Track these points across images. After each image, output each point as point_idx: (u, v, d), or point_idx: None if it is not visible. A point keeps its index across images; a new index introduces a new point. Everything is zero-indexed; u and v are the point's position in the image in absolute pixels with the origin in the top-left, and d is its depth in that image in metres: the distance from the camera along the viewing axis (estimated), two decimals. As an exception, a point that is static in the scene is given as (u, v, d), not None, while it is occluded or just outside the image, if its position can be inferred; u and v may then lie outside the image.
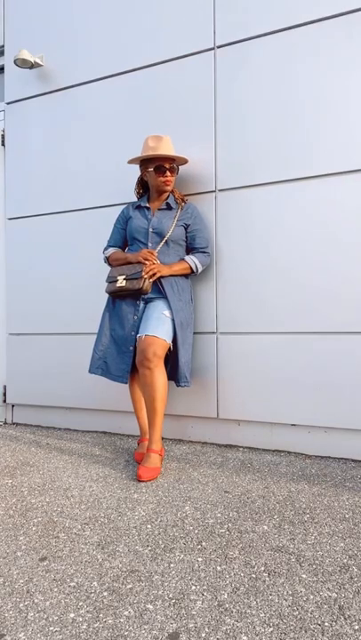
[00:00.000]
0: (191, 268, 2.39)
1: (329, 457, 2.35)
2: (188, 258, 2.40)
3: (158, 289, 2.31)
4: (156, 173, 2.34)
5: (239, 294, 2.51)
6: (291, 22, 2.37)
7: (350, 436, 2.31)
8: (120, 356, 2.33)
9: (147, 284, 2.24)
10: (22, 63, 3.00)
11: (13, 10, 3.20)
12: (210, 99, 2.57)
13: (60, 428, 3.05)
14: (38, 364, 3.10)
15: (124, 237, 2.52)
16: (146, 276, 2.23)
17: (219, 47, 2.55)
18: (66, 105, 3.01)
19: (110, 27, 2.85)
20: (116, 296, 2.38)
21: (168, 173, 2.34)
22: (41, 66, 3.06)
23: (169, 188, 2.39)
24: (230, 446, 2.53)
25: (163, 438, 2.69)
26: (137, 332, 2.27)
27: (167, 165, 2.33)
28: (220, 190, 2.55)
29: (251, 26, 2.46)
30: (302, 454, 2.40)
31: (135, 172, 2.55)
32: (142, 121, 2.74)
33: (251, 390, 2.48)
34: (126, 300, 2.35)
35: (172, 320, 2.25)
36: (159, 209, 2.40)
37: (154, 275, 2.25)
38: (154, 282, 2.27)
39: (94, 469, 2.25)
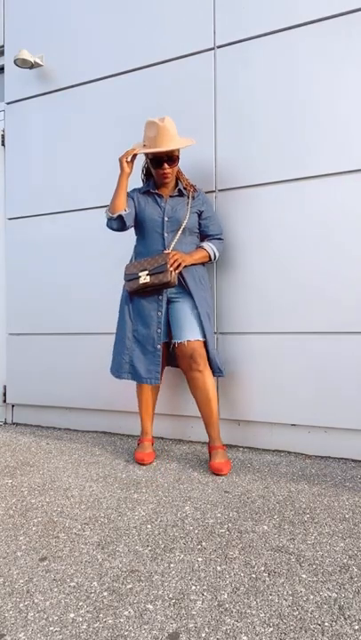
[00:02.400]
0: (210, 255, 2.32)
1: (329, 457, 2.35)
2: (205, 245, 2.32)
3: (179, 281, 2.22)
4: (154, 167, 2.24)
5: (239, 294, 2.51)
6: (291, 22, 2.37)
7: (350, 436, 2.31)
8: (147, 357, 2.24)
9: (174, 276, 2.13)
10: (22, 63, 3.00)
11: (13, 10, 3.20)
12: (210, 99, 2.57)
13: (60, 428, 3.05)
14: (38, 364, 3.10)
15: (135, 213, 2.31)
16: (171, 269, 2.12)
17: (219, 47, 2.55)
18: (66, 105, 3.01)
19: (110, 27, 2.85)
20: (138, 294, 2.26)
21: (166, 166, 2.20)
22: (41, 66, 3.06)
23: (168, 181, 2.27)
24: (230, 446, 2.53)
25: (162, 438, 2.70)
26: (162, 330, 2.21)
27: (165, 157, 2.18)
28: (220, 190, 2.55)
29: (251, 26, 2.46)
30: (302, 454, 2.40)
31: (133, 170, 2.54)
32: (142, 121, 2.73)
33: (251, 390, 2.48)
34: (147, 296, 2.25)
35: (199, 314, 2.21)
36: (171, 196, 2.30)
37: (179, 265, 2.16)
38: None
39: (94, 469, 2.24)
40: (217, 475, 2.12)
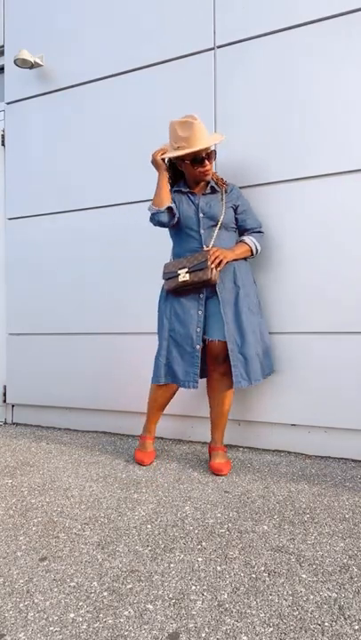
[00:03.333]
0: (251, 249, 2.24)
1: (329, 457, 2.35)
2: (246, 239, 2.25)
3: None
4: (194, 166, 2.14)
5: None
6: (291, 22, 2.37)
7: (350, 436, 2.31)
8: (185, 359, 2.14)
9: (215, 274, 2.05)
10: (22, 63, 3.00)
11: (13, 10, 3.20)
12: (210, 99, 2.57)
13: (60, 428, 3.05)
14: (38, 364, 3.10)
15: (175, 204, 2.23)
16: (212, 266, 2.05)
17: (219, 47, 2.55)
18: (66, 105, 3.01)
19: (110, 27, 2.85)
20: (177, 293, 2.17)
21: (207, 162, 2.13)
22: (41, 66, 3.06)
23: (209, 177, 2.20)
24: (230, 446, 2.53)
25: (162, 438, 2.70)
26: (201, 330, 2.13)
27: (204, 154, 2.11)
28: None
29: (250, 26, 2.46)
30: (302, 454, 2.40)
31: (133, 171, 2.54)
32: (142, 121, 2.74)
33: (250, 390, 2.48)
34: (187, 295, 2.16)
35: (238, 311, 2.14)
36: (204, 194, 2.23)
37: (220, 262, 2.08)
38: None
39: (94, 469, 2.24)
40: (217, 475, 2.11)
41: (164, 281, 2.22)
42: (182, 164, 2.19)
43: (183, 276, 2.09)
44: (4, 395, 3.26)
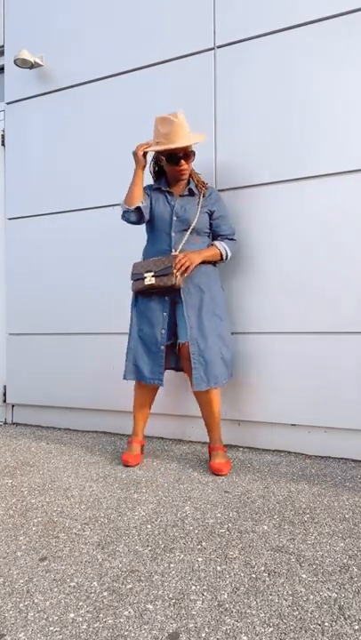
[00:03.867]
0: (221, 253, 2.24)
1: (329, 457, 2.35)
2: (217, 243, 2.26)
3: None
4: (169, 164, 2.15)
5: (239, 294, 2.51)
6: (291, 22, 2.37)
7: (350, 436, 2.31)
8: (151, 357, 2.20)
9: (179, 280, 2.08)
10: (22, 63, 3.00)
11: (13, 10, 3.20)
12: (210, 99, 2.57)
13: (60, 428, 3.05)
14: (38, 364, 3.10)
15: (150, 205, 2.25)
16: (177, 273, 2.07)
17: (219, 47, 2.55)
18: (66, 105, 3.01)
19: (110, 27, 2.85)
20: (144, 294, 2.22)
21: (182, 162, 2.13)
22: (41, 66, 3.06)
23: (185, 177, 2.20)
24: (230, 446, 2.53)
25: (162, 438, 2.70)
26: (167, 331, 2.18)
27: (181, 154, 2.11)
28: (220, 190, 2.54)
29: (250, 26, 2.46)
30: (302, 454, 2.40)
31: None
32: (142, 121, 2.74)
33: (251, 390, 2.48)
34: (153, 297, 2.21)
35: (201, 315, 2.17)
36: (181, 195, 2.23)
37: (186, 269, 2.09)
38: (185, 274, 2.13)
39: (94, 469, 2.24)
40: (217, 475, 2.12)
41: (132, 282, 2.23)
42: (162, 161, 2.20)
43: (149, 279, 2.13)
44: (4, 395, 3.26)
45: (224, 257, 2.27)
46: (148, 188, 2.27)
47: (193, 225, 2.18)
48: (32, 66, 3.03)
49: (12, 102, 3.19)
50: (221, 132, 2.54)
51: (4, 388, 3.26)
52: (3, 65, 3.30)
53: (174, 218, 2.19)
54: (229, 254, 2.28)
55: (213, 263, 2.29)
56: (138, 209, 2.17)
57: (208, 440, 2.28)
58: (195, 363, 2.12)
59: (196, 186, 2.25)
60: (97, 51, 2.90)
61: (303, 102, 2.36)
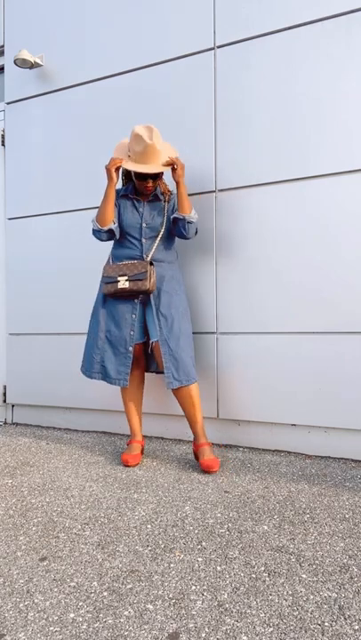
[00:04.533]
0: (191, 208, 2.25)
1: (329, 457, 2.35)
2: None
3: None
4: (137, 180, 2.24)
5: (239, 294, 2.51)
6: (291, 22, 2.37)
7: (350, 436, 2.31)
8: (118, 358, 2.24)
9: (153, 283, 2.17)
10: (22, 63, 3.00)
11: (13, 10, 3.20)
12: (210, 99, 2.57)
13: (60, 428, 3.05)
14: (38, 364, 3.10)
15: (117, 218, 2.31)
16: (152, 280, 2.16)
17: (219, 47, 2.55)
18: (66, 105, 3.01)
19: (110, 26, 2.85)
20: (114, 296, 2.27)
21: (150, 181, 2.23)
22: (41, 66, 3.06)
23: (149, 193, 2.30)
24: (230, 446, 2.53)
25: (162, 438, 2.70)
26: (136, 332, 2.24)
27: (150, 174, 2.19)
28: (220, 190, 2.55)
29: (251, 26, 2.46)
30: (302, 454, 2.40)
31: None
32: (142, 121, 2.73)
33: (251, 390, 2.48)
34: (122, 299, 2.27)
35: (172, 314, 2.24)
36: (148, 201, 2.31)
37: (178, 168, 2.16)
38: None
39: (94, 469, 2.25)
40: (208, 473, 2.13)
41: (103, 284, 2.26)
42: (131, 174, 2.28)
43: (123, 283, 2.18)
44: (4, 395, 3.26)
45: (191, 213, 2.25)
46: (115, 196, 2.31)
47: (162, 232, 2.28)
48: (32, 66, 3.03)
49: (12, 102, 3.19)
50: (221, 131, 2.54)
51: (4, 388, 3.26)
52: (3, 65, 3.30)
53: (144, 225, 2.28)
54: (194, 217, 2.27)
55: (175, 260, 2.38)
56: (111, 230, 2.25)
57: (192, 438, 2.28)
58: (166, 362, 2.18)
59: (162, 192, 2.32)
60: (97, 51, 2.90)
61: (303, 102, 2.36)
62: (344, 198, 2.28)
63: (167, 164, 2.18)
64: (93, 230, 2.28)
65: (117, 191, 2.34)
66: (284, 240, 2.41)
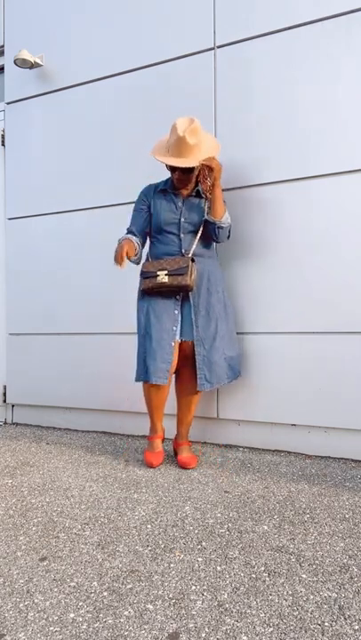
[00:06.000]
0: (225, 211, 2.18)
1: (329, 457, 2.35)
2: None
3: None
4: (172, 173, 2.19)
5: (239, 294, 2.51)
6: (291, 22, 2.37)
7: (350, 436, 2.31)
8: (159, 355, 2.12)
9: (193, 280, 2.09)
10: (22, 63, 3.00)
11: (13, 10, 3.20)
12: (210, 99, 2.57)
13: (60, 428, 3.05)
14: (38, 364, 3.10)
15: (147, 223, 2.29)
16: (192, 277, 2.08)
17: (219, 47, 2.55)
18: (66, 105, 3.01)
19: (110, 27, 2.85)
20: (154, 293, 2.18)
21: (178, 174, 2.14)
22: (41, 66, 3.06)
23: (181, 188, 2.21)
24: (230, 446, 2.53)
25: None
26: (178, 328, 2.16)
27: (179, 167, 2.11)
28: (221, 190, 2.54)
29: (251, 26, 2.46)
30: (302, 454, 2.40)
31: (132, 170, 2.55)
32: (142, 121, 2.74)
33: (251, 390, 2.48)
34: (162, 295, 2.18)
35: (202, 313, 2.20)
36: (189, 196, 2.23)
37: (213, 170, 2.08)
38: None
39: (94, 469, 2.24)
40: (184, 469, 2.20)
41: (142, 279, 2.21)
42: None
43: (162, 277, 2.11)
44: (4, 395, 3.26)
45: (222, 218, 2.18)
46: (151, 192, 2.29)
47: (200, 231, 2.21)
48: (32, 66, 3.03)
49: (12, 102, 3.19)
50: (221, 131, 2.54)
51: (4, 388, 3.26)
52: (3, 65, 3.30)
53: (182, 219, 2.20)
54: (226, 222, 2.20)
55: (214, 261, 2.33)
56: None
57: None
58: (200, 363, 2.16)
59: (204, 190, 2.21)
60: (97, 51, 2.90)
61: (303, 102, 2.36)
62: (344, 198, 2.28)
63: (202, 163, 2.09)
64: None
65: (155, 186, 2.30)
66: (284, 240, 2.41)
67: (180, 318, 2.17)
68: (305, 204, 2.36)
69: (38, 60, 3.04)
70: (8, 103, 3.21)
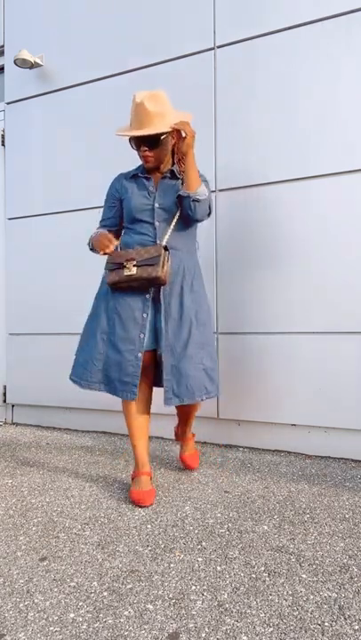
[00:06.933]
0: (200, 183, 1.85)
1: (329, 457, 2.35)
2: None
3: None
4: (134, 148, 1.90)
5: (239, 294, 2.51)
6: (291, 22, 2.37)
7: (350, 436, 2.31)
8: (124, 366, 1.83)
9: (165, 271, 1.78)
10: (22, 63, 3.00)
11: (13, 10, 3.20)
12: (210, 99, 2.57)
13: (60, 428, 3.05)
14: (38, 364, 3.10)
15: (119, 216, 2.03)
16: (165, 268, 1.77)
17: (219, 47, 2.55)
18: (66, 105, 3.01)
19: (110, 27, 2.85)
20: (120, 287, 1.86)
21: (143, 148, 1.85)
22: (41, 66, 3.06)
23: (150, 165, 1.91)
24: (230, 446, 2.53)
25: (162, 438, 2.69)
26: (146, 336, 1.85)
27: (141, 138, 1.83)
28: (221, 190, 2.54)
29: (251, 26, 2.46)
30: (302, 454, 2.40)
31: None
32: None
33: (251, 390, 2.48)
34: (130, 293, 1.87)
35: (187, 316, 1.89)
36: (162, 178, 1.93)
37: (183, 132, 1.80)
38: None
39: (94, 469, 2.24)
40: (188, 469, 2.17)
41: (105, 272, 1.90)
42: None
43: (130, 269, 1.80)
44: (4, 395, 3.26)
45: (198, 190, 1.84)
46: (120, 181, 2.03)
47: (178, 214, 1.89)
48: (32, 66, 3.03)
49: (12, 102, 3.19)
50: (221, 131, 2.54)
51: (4, 388, 3.26)
52: (3, 65, 3.30)
53: (156, 205, 1.90)
54: (202, 195, 1.85)
55: (194, 251, 2.01)
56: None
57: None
58: (167, 374, 1.83)
59: (179, 171, 1.92)
60: (97, 51, 2.90)
61: (303, 102, 2.36)
62: (344, 198, 2.28)
63: (171, 128, 1.81)
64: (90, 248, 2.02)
65: (125, 174, 2.04)
66: (284, 240, 2.41)
67: (148, 323, 1.86)
68: (305, 204, 2.36)
69: (38, 60, 3.04)
70: (8, 103, 3.21)
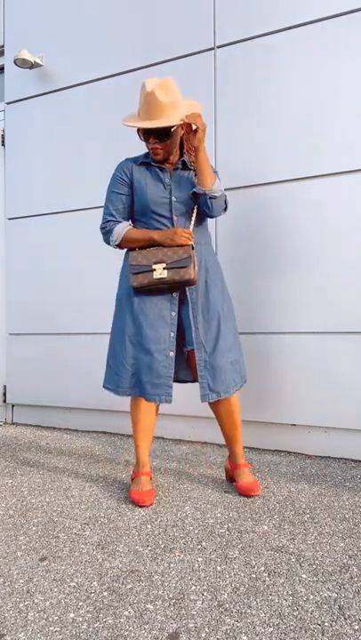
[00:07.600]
0: (215, 180, 1.80)
1: (329, 457, 2.35)
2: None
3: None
4: (142, 139, 1.84)
5: (239, 294, 2.51)
6: (291, 22, 2.37)
7: (350, 436, 2.31)
8: (156, 369, 1.78)
9: (196, 272, 1.74)
10: (22, 63, 3.01)
11: (13, 10, 3.20)
12: (210, 99, 2.57)
13: (60, 428, 3.05)
14: (38, 364, 3.10)
15: (130, 206, 1.91)
16: (196, 269, 1.73)
17: (219, 47, 2.55)
18: (66, 105, 3.01)
19: (110, 27, 2.85)
20: (146, 290, 1.81)
21: (152, 140, 1.79)
22: (41, 66, 3.06)
23: (159, 158, 1.83)
24: (230, 446, 2.53)
25: (163, 438, 2.69)
26: (176, 334, 1.82)
27: (151, 130, 1.77)
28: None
29: (251, 26, 2.46)
30: (302, 454, 2.40)
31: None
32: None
33: (251, 390, 2.48)
34: (157, 294, 1.82)
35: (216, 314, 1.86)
36: (175, 169, 1.86)
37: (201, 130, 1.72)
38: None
39: (94, 469, 2.24)
40: (248, 496, 1.86)
41: (130, 275, 1.81)
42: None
43: (160, 272, 1.74)
44: (4, 395, 3.26)
45: (213, 186, 1.79)
46: (129, 166, 1.91)
47: (195, 208, 1.84)
48: (32, 66, 3.03)
49: (12, 102, 3.19)
50: (221, 131, 2.54)
51: (4, 388, 3.26)
52: (3, 65, 3.30)
53: (173, 198, 1.83)
54: (218, 191, 1.81)
55: (211, 249, 1.99)
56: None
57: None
58: (201, 371, 1.80)
59: (190, 162, 1.85)
60: (97, 51, 2.90)
61: (303, 102, 2.36)
62: (344, 198, 2.28)
63: (184, 120, 1.73)
64: (107, 237, 1.91)
65: (134, 160, 1.93)
66: (284, 240, 2.41)
67: (177, 321, 1.83)
68: (305, 204, 2.36)
69: (38, 60, 3.04)
70: (8, 103, 3.21)
